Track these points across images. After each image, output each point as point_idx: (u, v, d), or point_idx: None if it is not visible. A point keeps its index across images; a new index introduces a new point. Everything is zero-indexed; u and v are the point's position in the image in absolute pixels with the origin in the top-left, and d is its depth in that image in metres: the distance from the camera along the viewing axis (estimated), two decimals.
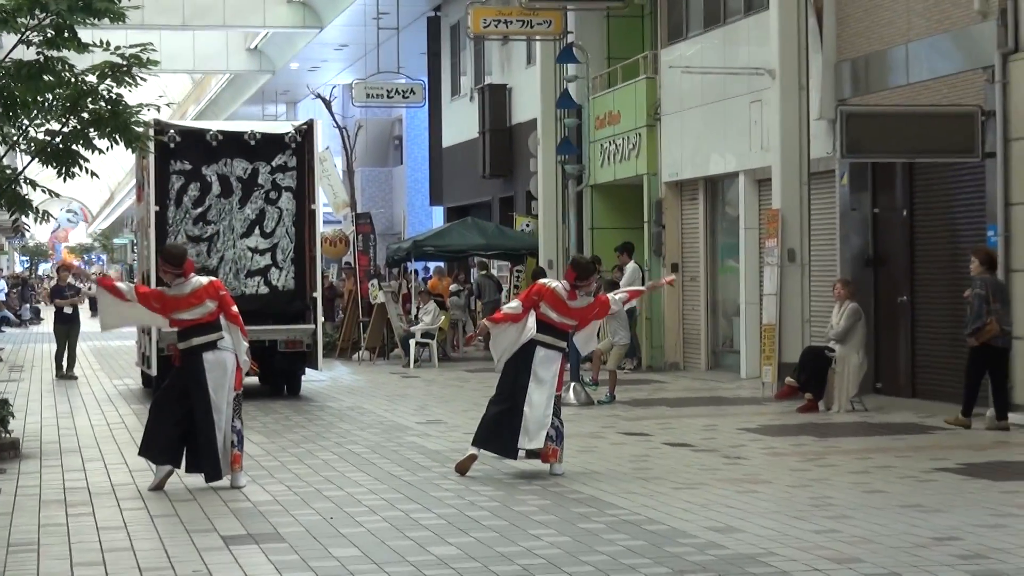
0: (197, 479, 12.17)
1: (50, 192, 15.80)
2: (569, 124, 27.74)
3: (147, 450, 12.32)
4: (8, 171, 15.63)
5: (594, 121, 27.58)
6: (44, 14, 14.09)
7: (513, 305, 12.85)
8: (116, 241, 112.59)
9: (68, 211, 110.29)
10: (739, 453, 14.01)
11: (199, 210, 20.29)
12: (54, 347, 26.44)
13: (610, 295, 13.38)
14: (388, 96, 38.77)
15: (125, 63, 14.44)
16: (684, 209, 25.41)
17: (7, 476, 13.11)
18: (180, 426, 12.09)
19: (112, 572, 8.82)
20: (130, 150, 15.85)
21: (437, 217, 43.41)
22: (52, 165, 14.96)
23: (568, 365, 13.80)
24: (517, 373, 12.58)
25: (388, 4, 38.04)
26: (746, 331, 22.57)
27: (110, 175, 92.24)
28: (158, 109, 15.51)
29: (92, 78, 14.50)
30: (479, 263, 33.36)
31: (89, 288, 49.70)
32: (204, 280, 12.30)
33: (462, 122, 37.68)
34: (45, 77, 14.32)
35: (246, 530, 10.12)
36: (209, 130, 20.71)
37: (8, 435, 14.66)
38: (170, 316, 12.17)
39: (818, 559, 8.72)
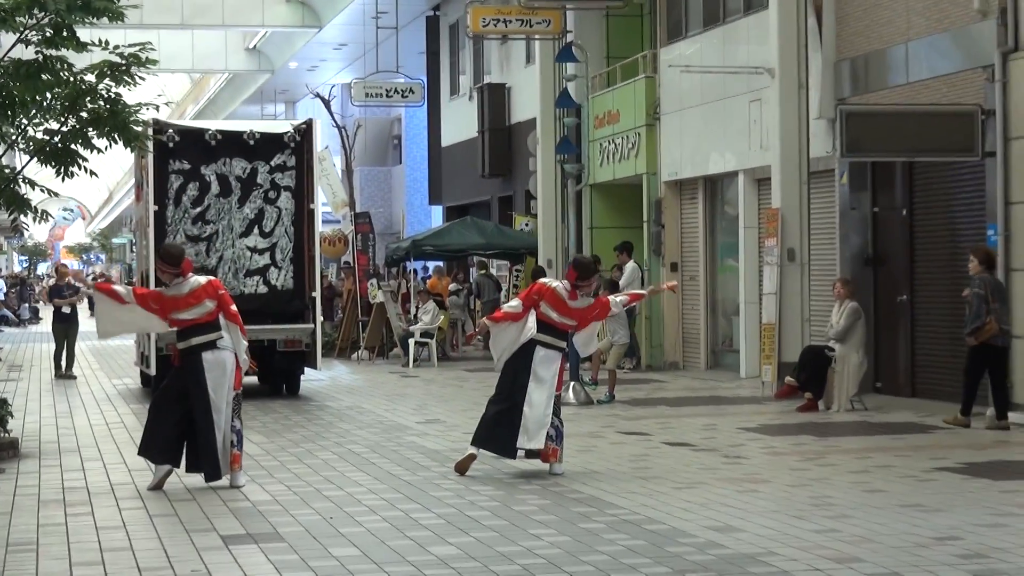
0: (196, 479, 12.16)
1: (49, 191, 15.79)
2: (568, 123, 27.72)
3: (146, 450, 12.30)
4: (7, 171, 15.61)
5: (593, 120, 27.56)
6: (43, 13, 14.08)
7: (513, 304, 12.83)
8: (115, 241, 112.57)
9: (64, 209, 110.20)
10: (739, 452, 14.00)
11: (198, 209, 20.27)
12: (53, 347, 26.43)
13: (611, 297, 13.36)
14: (387, 95, 38.75)
15: (124, 62, 14.43)
16: (683, 208, 25.39)
17: (6, 476, 13.10)
18: (179, 426, 12.08)
19: (111, 572, 8.80)
20: (129, 149, 15.84)
21: (436, 216, 43.40)
22: (51, 164, 14.94)
23: (568, 365, 13.78)
24: (517, 373, 12.56)
25: (387, 3, 38.02)
26: (746, 330, 22.56)
27: (109, 175, 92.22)
28: (157, 108, 15.48)
29: (91, 77, 14.49)
30: (478, 263, 33.34)
31: (88, 287, 49.65)
32: (202, 279, 12.28)
33: (461, 121, 37.67)
34: (44, 76, 14.31)
35: (245, 530, 10.10)
36: (208, 129, 20.70)
37: (7, 435, 14.65)
38: (169, 316, 12.14)
39: (818, 559, 8.70)
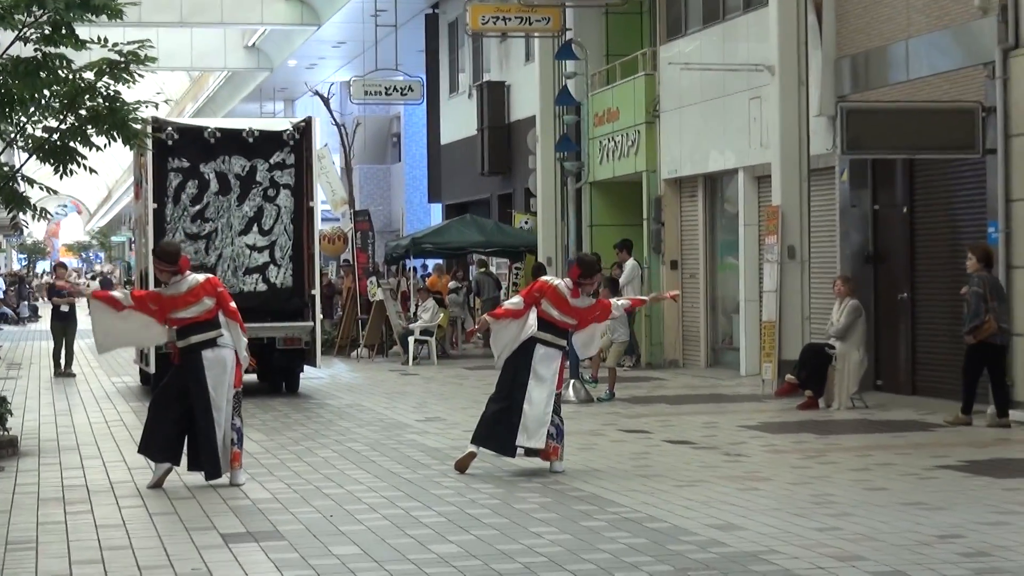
0: (196, 477, 12.13)
1: (48, 189, 15.76)
2: (568, 121, 27.71)
3: (146, 448, 12.27)
4: (6, 168, 15.58)
5: (593, 118, 27.54)
6: (42, 11, 14.05)
7: (515, 301, 12.81)
8: (114, 239, 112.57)
9: (59, 205, 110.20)
10: (740, 450, 13.98)
11: (197, 207, 20.25)
12: (51, 345, 26.41)
13: (612, 300, 13.31)
14: (386, 93, 38.72)
15: (123, 60, 14.39)
16: (683, 206, 25.37)
17: (5, 474, 13.08)
18: (179, 424, 12.05)
19: (111, 570, 8.78)
20: (128, 147, 15.81)
21: (436, 214, 43.38)
22: (50, 162, 14.91)
23: (568, 363, 13.76)
24: (517, 371, 12.54)
25: (386, 1, 38.00)
26: (746, 328, 22.54)
27: (108, 173, 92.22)
28: (156, 106, 15.45)
29: (90, 75, 14.46)
30: (478, 261, 33.31)
31: (87, 286, 49.58)
32: (200, 277, 12.25)
33: (460, 119, 37.64)
34: (43, 74, 14.28)
35: (246, 528, 10.08)
36: (207, 127, 20.68)
37: (6, 433, 14.62)
38: (168, 316, 12.09)
39: (821, 557, 8.68)
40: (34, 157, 15.06)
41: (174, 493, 11.71)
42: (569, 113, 27.70)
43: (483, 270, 32.53)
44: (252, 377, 20.84)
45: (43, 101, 14.70)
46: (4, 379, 24.36)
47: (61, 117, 14.75)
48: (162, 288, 12.27)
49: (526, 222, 31.43)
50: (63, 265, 31.92)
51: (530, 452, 12.58)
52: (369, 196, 49.07)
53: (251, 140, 20.39)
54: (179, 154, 20.20)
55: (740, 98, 22.30)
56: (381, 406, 19.09)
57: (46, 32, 14.25)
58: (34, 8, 14.02)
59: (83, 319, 29.02)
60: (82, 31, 14.54)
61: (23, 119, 14.93)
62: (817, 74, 19.77)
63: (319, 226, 22.12)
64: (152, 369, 19.87)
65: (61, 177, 15.09)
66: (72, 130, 14.74)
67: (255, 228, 20.38)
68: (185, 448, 12.16)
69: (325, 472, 12.81)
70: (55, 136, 14.85)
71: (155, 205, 20.14)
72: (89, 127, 14.71)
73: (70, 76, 14.44)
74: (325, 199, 41.68)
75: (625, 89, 26.28)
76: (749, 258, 22.71)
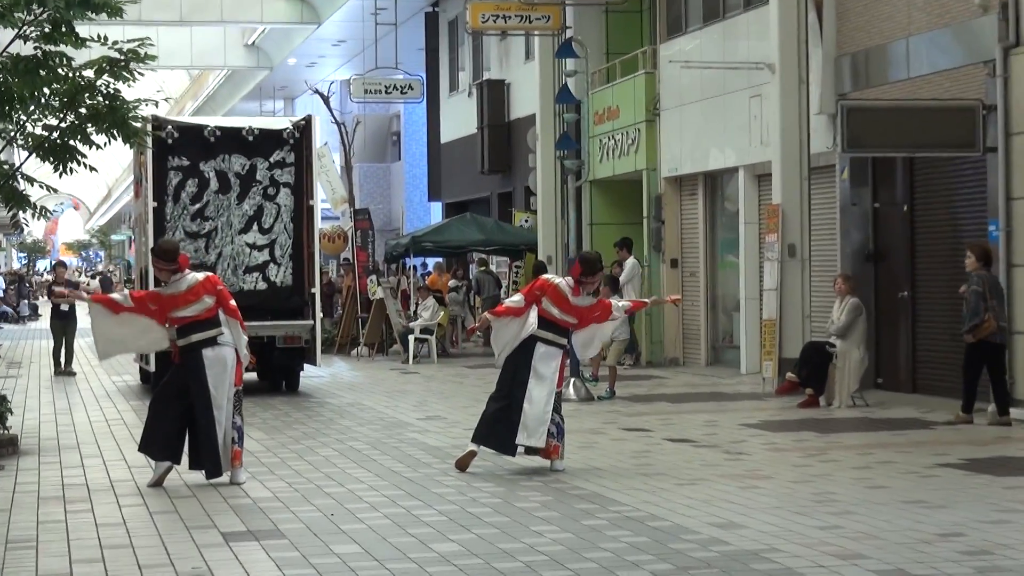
0: (196, 475, 12.12)
1: (48, 188, 15.74)
2: (568, 119, 27.69)
3: (146, 446, 12.25)
4: (6, 167, 15.57)
5: (593, 116, 27.53)
6: (41, 9, 14.04)
7: (515, 299, 12.79)
8: (114, 237, 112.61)
9: (56, 204, 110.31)
10: (740, 449, 13.97)
11: (197, 206, 20.24)
12: (51, 343, 26.40)
13: (613, 301, 13.26)
14: (386, 92, 38.71)
15: (123, 58, 14.38)
16: (683, 204, 25.36)
17: (5, 472, 13.06)
18: (180, 422, 12.04)
19: (111, 569, 8.76)
20: (128, 146, 15.80)
21: (435, 213, 43.37)
22: (49, 160, 14.90)
23: (568, 361, 13.75)
24: (517, 369, 12.53)
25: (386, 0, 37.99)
26: (746, 326, 22.53)
27: (108, 171, 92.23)
28: (156, 104, 15.43)
29: (90, 73, 14.44)
30: (478, 259, 33.29)
31: (87, 284, 49.53)
32: (200, 276, 12.23)
33: (460, 118, 37.63)
34: (42, 72, 14.26)
35: (246, 527, 10.07)
36: (207, 126, 20.66)
37: (6, 431, 14.61)
38: (168, 315, 12.06)
39: (822, 555, 8.66)
40: (34, 155, 15.03)
41: (174, 492, 11.70)
42: (569, 111, 27.68)
43: (483, 268, 32.52)
44: (252, 376, 20.84)
45: (43, 99, 14.68)
46: (4, 378, 24.35)
47: (61, 115, 14.73)
48: (162, 288, 12.26)
49: (526, 220, 31.42)
50: (63, 264, 31.94)
51: (530, 451, 12.57)
52: (369, 195, 49.06)
53: (251, 139, 20.38)
54: (179, 152, 20.19)
55: (740, 96, 22.28)
56: (381, 405, 19.08)
57: (46, 30, 14.24)
58: (34, 6, 14.01)
59: (83, 318, 29.06)
60: (82, 29, 14.53)
61: (23, 117, 14.92)
62: (817, 72, 19.76)
63: (319, 225, 22.11)
64: (152, 368, 19.85)
65: (61, 175, 15.07)
66: (72, 128, 14.72)
67: (255, 227, 20.37)
68: (186, 447, 12.14)
69: (326, 471, 12.80)
70: (55, 134, 14.82)
71: (155, 203, 20.14)
72: (89, 125, 14.69)
73: (70, 74, 14.43)
74: (325, 198, 41.69)
75: (625, 87, 26.26)
76: (749, 256, 22.70)
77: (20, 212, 15.52)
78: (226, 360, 12.02)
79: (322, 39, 44.21)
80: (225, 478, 11.99)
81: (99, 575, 8.64)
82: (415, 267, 34.78)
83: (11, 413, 15.04)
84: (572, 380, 18.63)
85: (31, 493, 11.85)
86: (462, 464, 12.53)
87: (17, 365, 28.14)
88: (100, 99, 14.53)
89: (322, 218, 28.56)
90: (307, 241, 20.59)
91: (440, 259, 34.61)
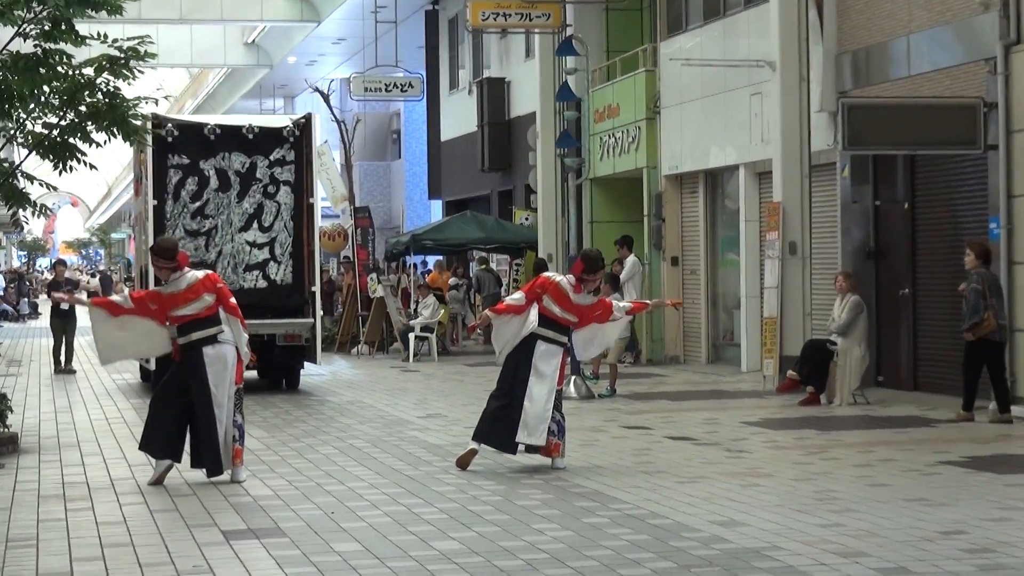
0: (196, 473, 12.11)
1: (48, 186, 15.73)
2: (568, 117, 27.68)
3: (147, 444, 12.23)
4: (6, 165, 15.56)
5: (593, 114, 27.51)
6: (42, 7, 14.02)
7: (516, 296, 12.77)
8: (114, 236, 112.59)
9: (53, 203, 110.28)
10: (741, 447, 13.95)
11: (197, 204, 20.23)
12: (51, 342, 26.39)
13: (614, 302, 13.23)
14: (386, 90, 38.68)
15: (123, 56, 14.36)
16: (684, 202, 25.34)
17: (6, 471, 13.05)
18: (180, 421, 12.02)
19: (112, 568, 8.75)
20: (128, 144, 15.78)
21: (436, 211, 43.35)
22: (49, 158, 14.88)
23: (569, 359, 13.73)
24: (517, 367, 12.51)
25: None
26: (747, 324, 22.52)
27: (108, 169, 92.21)
28: (156, 102, 15.41)
29: (90, 71, 14.42)
30: (479, 258, 33.26)
31: (88, 282, 49.56)
32: (200, 274, 12.21)
33: (460, 116, 37.61)
34: (42, 70, 14.24)
35: (247, 525, 10.06)
36: (207, 124, 20.65)
37: (6, 430, 14.60)
38: (168, 314, 12.04)
39: (824, 553, 8.65)
40: (34, 153, 15.02)
41: (175, 490, 11.68)
42: (569, 109, 27.67)
43: (484, 267, 32.50)
44: (252, 374, 20.84)
45: (43, 97, 14.66)
46: (4, 376, 24.33)
47: (61, 113, 14.72)
48: (162, 286, 12.24)
49: (526, 218, 31.40)
50: (63, 262, 31.94)
51: (531, 449, 12.55)
52: (369, 193, 49.06)
53: (251, 137, 20.37)
54: (179, 151, 20.17)
55: (741, 94, 22.26)
56: (382, 403, 19.06)
57: (46, 28, 14.22)
58: (34, 4, 14.00)
59: (83, 316, 29.05)
60: (82, 27, 14.51)
61: (23, 115, 14.90)
62: (818, 70, 19.74)
63: (319, 223, 22.09)
64: (152, 366, 19.80)
65: (61, 173, 15.06)
66: (72, 126, 14.71)
67: (255, 225, 20.36)
68: (188, 445, 12.12)
69: (326, 469, 12.78)
70: (55, 132, 14.81)
71: (155, 202, 20.12)
72: (89, 123, 14.67)
73: (70, 72, 14.41)
74: (325, 196, 41.72)
75: (626, 85, 26.25)
76: (750, 254, 22.69)
77: (20, 210, 15.50)
78: (227, 358, 12.00)
79: (322, 37, 44.19)
80: (225, 476, 11.98)
81: (99, 573, 8.63)
82: (415, 265, 34.77)
83: (11, 411, 15.03)
84: (573, 378, 18.62)
85: (31, 491, 11.84)
86: (463, 462, 12.51)
87: (17, 363, 28.13)
88: (100, 97, 14.52)
89: (322, 216, 28.52)
90: (307, 239, 20.57)
91: (440, 257, 34.60)
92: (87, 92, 14.47)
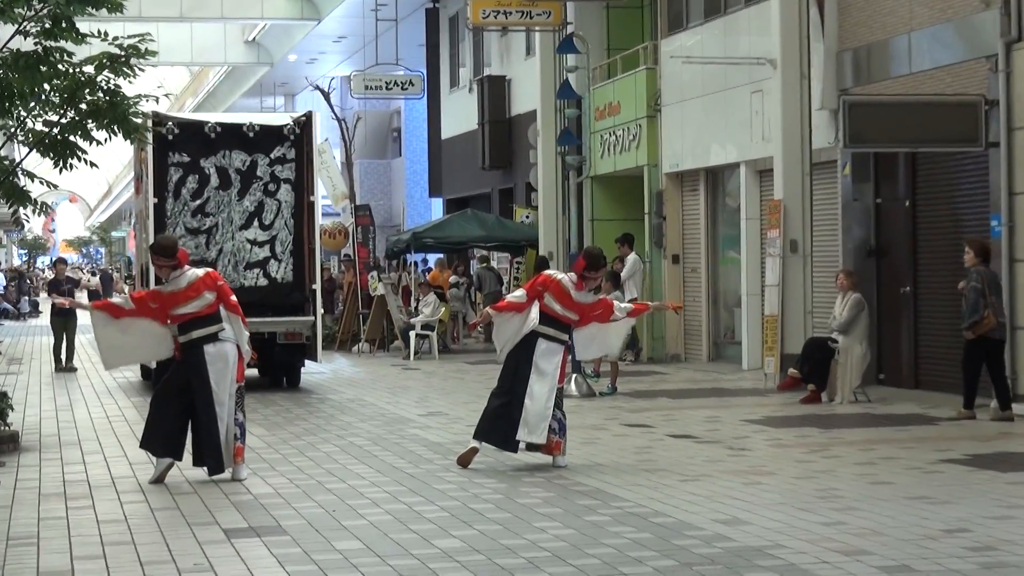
0: (197, 472, 12.09)
1: (48, 184, 15.71)
2: (569, 115, 27.67)
3: (148, 442, 12.21)
4: (6, 163, 15.54)
5: (594, 112, 27.50)
6: (42, 4, 14.00)
7: (518, 294, 12.76)
8: (114, 234, 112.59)
9: (52, 202, 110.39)
10: (743, 445, 13.94)
11: (197, 202, 20.22)
12: (52, 340, 26.38)
13: (616, 302, 13.19)
14: (387, 88, 38.68)
15: (123, 54, 14.34)
16: (685, 200, 25.32)
17: (6, 469, 13.03)
18: (181, 419, 12.00)
19: (113, 566, 8.73)
20: (128, 142, 15.77)
21: (436, 209, 43.35)
22: (50, 156, 14.87)
23: (570, 357, 13.72)
24: (518, 364, 12.50)
25: None
26: (748, 322, 22.50)
27: (108, 168, 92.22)
28: (156, 100, 15.39)
29: (90, 69, 14.40)
30: (480, 256, 33.24)
31: (88, 280, 49.51)
32: (200, 272, 12.19)
33: (461, 114, 37.59)
34: (43, 68, 14.22)
35: (248, 523, 10.04)
36: (207, 122, 20.64)
37: (7, 428, 14.58)
38: (169, 313, 12.02)
39: (826, 551, 8.63)
40: (34, 151, 15.00)
41: (176, 488, 11.67)
42: (570, 107, 27.66)
43: (484, 265, 32.49)
44: (253, 372, 20.82)
45: (43, 95, 14.64)
46: (5, 374, 24.32)
47: (61, 111, 14.70)
48: (162, 285, 12.22)
49: (527, 216, 31.39)
50: (63, 260, 31.89)
51: (532, 447, 12.53)
52: (370, 191, 49.05)
53: (251, 135, 20.36)
54: (179, 149, 20.16)
55: (742, 92, 22.24)
56: (383, 401, 19.05)
57: (46, 26, 14.20)
58: (34, 2, 13.98)
59: (84, 314, 29.04)
60: (82, 25, 14.49)
61: (23, 113, 14.88)
62: (819, 67, 19.71)
63: (320, 221, 22.07)
64: (153, 364, 19.78)
65: (61, 171, 15.04)
66: (72, 124, 14.68)
67: (256, 223, 20.36)
68: (190, 444, 12.11)
69: (327, 467, 12.77)
70: (55, 130, 14.79)
71: (155, 200, 20.12)
72: (89, 121, 14.65)
73: (70, 70, 14.39)
74: (326, 194, 41.72)
75: (626, 83, 26.23)
76: (751, 252, 22.67)
77: (21, 208, 15.48)
78: (228, 356, 11.99)
79: (322, 35, 44.17)
80: (226, 474, 11.96)
81: (100, 572, 8.61)
82: (416, 263, 34.77)
83: (12, 409, 15.01)
84: (574, 376, 18.60)
85: (32, 489, 11.82)
86: (464, 461, 12.50)
87: (18, 362, 28.13)
88: (100, 95, 14.50)
89: (323, 214, 28.52)
90: (308, 237, 20.56)
91: (441, 255, 34.60)
92: (87, 90, 14.44)
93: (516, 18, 28.21)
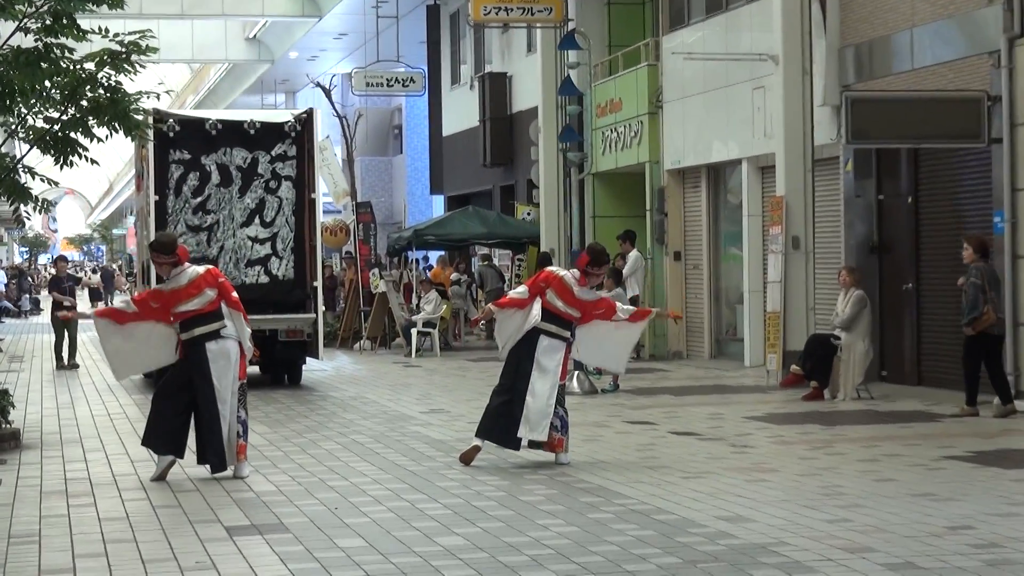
0: (199, 469, 12.07)
1: (49, 181, 15.69)
2: (571, 112, 27.64)
3: (150, 440, 12.19)
4: (7, 160, 15.52)
5: (595, 109, 27.47)
6: (42, 1, 13.98)
7: (520, 290, 12.74)
8: (115, 231, 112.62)
9: (53, 199, 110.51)
10: (746, 442, 13.91)
11: (199, 199, 20.20)
12: (53, 338, 26.37)
13: (618, 304, 13.13)
14: (388, 85, 38.68)
15: (124, 51, 14.32)
16: (686, 197, 25.30)
17: (8, 467, 13.01)
18: (183, 416, 11.98)
19: (114, 564, 8.71)
20: (129, 139, 15.75)
21: (438, 206, 43.33)
22: (51, 153, 14.84)
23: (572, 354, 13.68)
24: (520, 361, 12.47)
25: None
26: (750, 319, 22.47)
27: (109, 165, 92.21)
28: (158, 97, 15.36)
29: (91, 66, 14.38)
30: (481, 253, 33.22)
31: (88, 278, 49.47)
32: (201, 269, 12.17)
33: (462, 110, 37.58)
34: (44, 65, 14.20)
35: (250, 521, 10.01)
36: (208, 119, 20.61)
37: (9, 425, 14.56)
38: (171, 311, 11.98)
39: (831, 549, 8.60)
40: (35, 148, 14.98)
41: (177, 486, 11.65)
42: (572, 104, 27.63)
43: (486, 262, 32.47)
44: (254, 369, 20.83)
45: (44, 92, 14.63)
46: (6, 372, 24.31)
47: (62, 108, 14.68)
48: (163, 284, 12.20)
49: (528, 213, 31.37)
50: (64, 258, 31.86)
51: (534, 444, 12.50)
52: (371, 188, 49.04)
53: (252, 132, 20.35)
54: (180, 146, 20.14)
55: (743, 88, 22.22)
56: (384, 398, 19.03)
57: (47, 23, 14.18)
58: None
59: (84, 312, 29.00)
60: (83, 22, 14.47)
61: (24, 110, 14.86)
62: (821, 63, 19.69)
63: (321, 218, 22.05)
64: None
65: (62, 168, 15.02)
66: (73, 121, 14.67)
67: (257, 220, 20.34)
68: (193, 442, 12.08)
69: (329, 464, 12.75)
70: (56, 127, 14.77)
71: (156, 197, 20.10)
72: (90, 118, 14.63)
73: (71, 67, 14.37)
74: (327, 191, 41.67)
75: (628, 79, 26.20)
76: (753, 249, 22.65)
77: (22, 205, 15.46)
78: (230, 353, 11.96)
79: (323, 32, 44.15)
80: (228, 472, 11.94)
81: (102, 569, 8.59)
82: (417, 260, 34.76)
83: (13, 407, 15.00)
84: (576, 373, 18.59)
85: (34, 487, 11.80)
86: (466, 458, 12.48)
87: (19, 359, 28.11)
88: (101, 92, 14.48)
89: (324, 211, 28.51)
90: (309, 234, 20.55)
91: (442, 252, 34.58)
92: (88, 87, 14.43)
93: (517, 15, 28.19)
